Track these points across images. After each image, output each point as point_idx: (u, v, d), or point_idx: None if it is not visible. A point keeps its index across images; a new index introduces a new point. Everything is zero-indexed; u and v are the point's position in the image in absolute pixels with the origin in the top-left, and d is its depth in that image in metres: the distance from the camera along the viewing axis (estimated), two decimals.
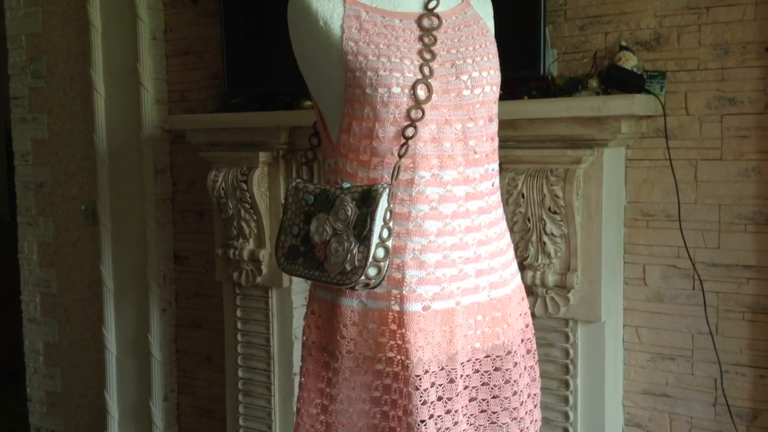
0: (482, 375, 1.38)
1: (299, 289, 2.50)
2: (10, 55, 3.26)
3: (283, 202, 2.37)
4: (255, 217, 2.47)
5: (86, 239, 3.17)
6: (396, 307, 1.30)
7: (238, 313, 2.59)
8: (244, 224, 2.48)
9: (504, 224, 1.44)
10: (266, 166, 2.45)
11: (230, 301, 2.62)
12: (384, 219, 1.25)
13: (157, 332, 2.93)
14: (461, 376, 1.34)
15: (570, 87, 2.03)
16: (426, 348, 1.30)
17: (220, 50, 2.59)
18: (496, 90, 1.39)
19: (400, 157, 1.29)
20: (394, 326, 1.30)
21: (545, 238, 1.97)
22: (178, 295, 2.99)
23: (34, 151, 3.25)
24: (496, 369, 1.38)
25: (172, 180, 2.94)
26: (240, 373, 2.60)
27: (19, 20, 3.22)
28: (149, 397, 2.96)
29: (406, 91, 1.28)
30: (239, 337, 2.59)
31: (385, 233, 1.26)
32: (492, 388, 1.38)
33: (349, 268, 1.26)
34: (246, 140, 2.45)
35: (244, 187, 2.43)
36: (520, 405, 1.41)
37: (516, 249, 1.92)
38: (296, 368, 2.48)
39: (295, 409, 1.51)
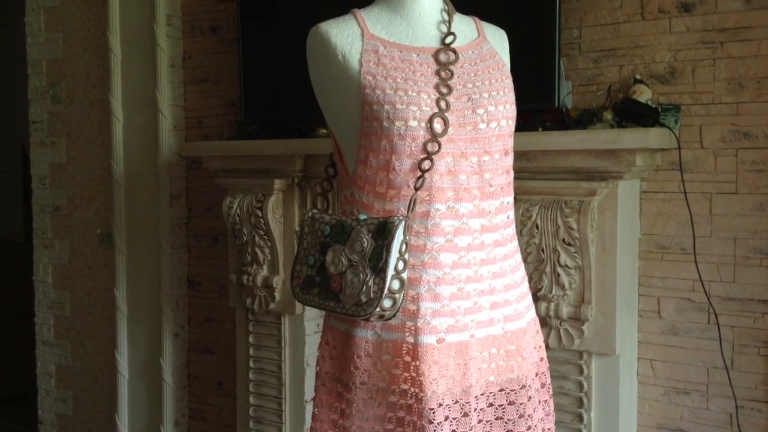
0: (496, 409, 1.37)
1: (312, 316, 2.50)
2: (30, 80, 3.31)
3: (297, 229, 2.39)
4: (269, 244, 2.48)
5: (101, 263, 3.19)
6: (410, 339, 1.30)
7: (251, 339, 2.59)
8: (258, 250, 2.49)
9: (519, 257, 1.45)
10: (281, 193, 2.47)
11: (243, 327, 2.62)
12: (399, 251, 1.26)
13: (170, 357, 2.93)
14: (475, 409, 1.34)
15: (584, 119, 2.04)
16: (440, 381, 1.29)
17: (237, 78, 2.63)
18: (511, 124, 1.40)
19: (416, 189, 1.30)
20: (408, 358, 1.30)
21: (559, 270, 1.97)
22: (191, 320, 3.00)
23: (52, 175, 3.29)
24: (510, 403, 1.37)
25: (187, 205, 2.96)
26: (251, 400, 2.60)
27: (40, 46, 3.27)
28: (160, 421, 2.95)
29: (423, 124, 1.29)
30: (251, 364, 2.59)
31: (401, 265, 1.26)
32: (506, 423, 1.37)
33: (364, 300, 1.26)
34: (261, 167, 2.47)
35: (259, 213, 2.45)
36: None
37: (530, 280, 1.91)
38: (308, 396, 2.47)
39: None
